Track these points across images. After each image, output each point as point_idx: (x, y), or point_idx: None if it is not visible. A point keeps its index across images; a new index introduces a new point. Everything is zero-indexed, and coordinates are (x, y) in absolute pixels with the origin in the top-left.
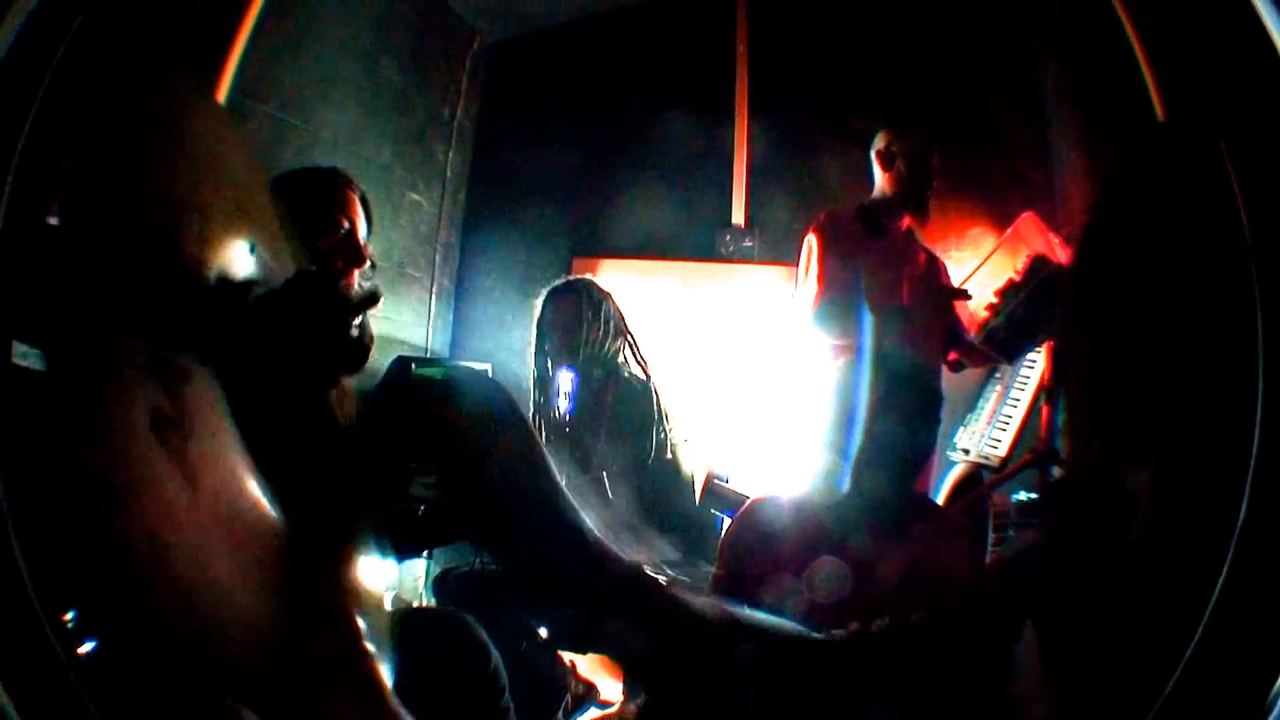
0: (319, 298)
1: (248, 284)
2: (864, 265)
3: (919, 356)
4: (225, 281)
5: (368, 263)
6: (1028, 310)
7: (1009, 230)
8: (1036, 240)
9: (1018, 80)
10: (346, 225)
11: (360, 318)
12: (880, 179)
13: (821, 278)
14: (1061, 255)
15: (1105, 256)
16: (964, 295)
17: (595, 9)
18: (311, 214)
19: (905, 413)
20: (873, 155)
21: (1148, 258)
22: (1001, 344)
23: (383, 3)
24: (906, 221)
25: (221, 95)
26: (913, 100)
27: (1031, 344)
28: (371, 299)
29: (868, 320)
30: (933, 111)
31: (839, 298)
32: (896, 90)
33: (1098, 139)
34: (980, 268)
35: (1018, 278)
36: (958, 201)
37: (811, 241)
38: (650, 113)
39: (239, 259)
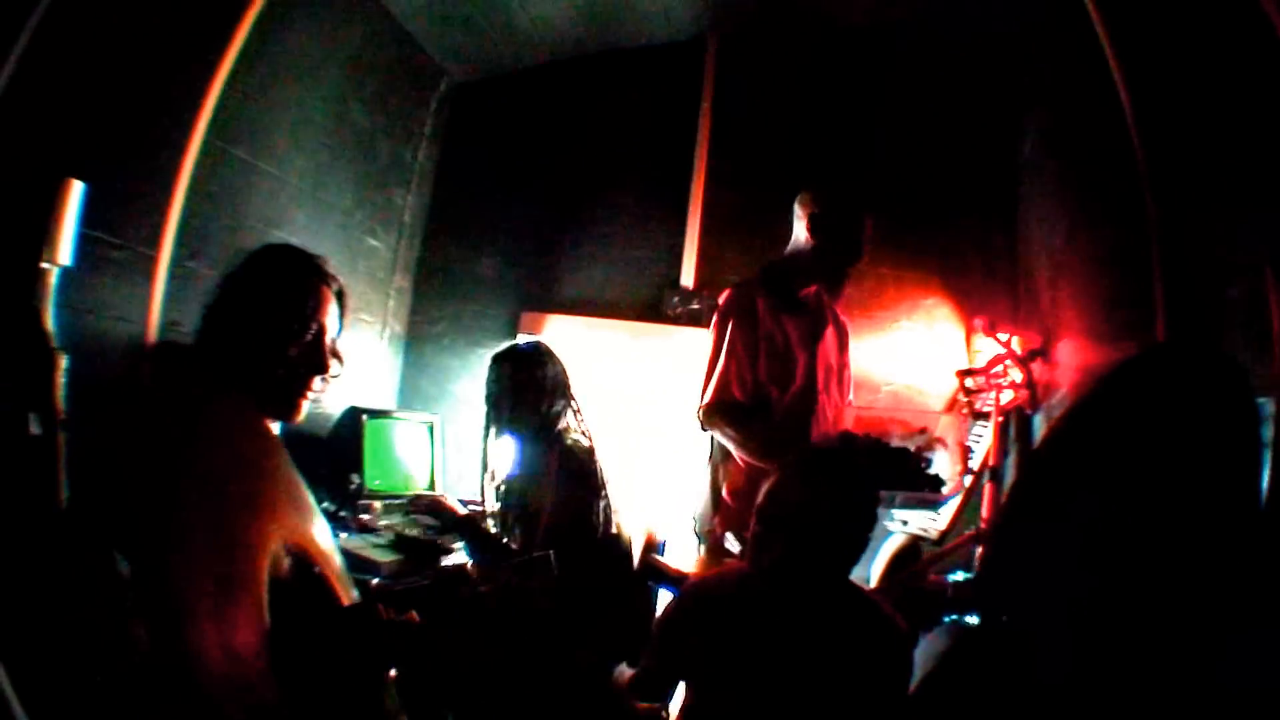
0: (359, 635)
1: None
2: (769, 346)
3: (833, 454)
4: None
5: (331, 369)
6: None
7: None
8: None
9: (988, 148)
10: (315, 330)
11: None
12: (801, 239)
13: (722, 373)
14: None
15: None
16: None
17: (564, 55)
18: (283, 313)
19: (829, 507)
20: (799, 212)
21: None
22: None
23: (356, 43)
24: (816, 287)
25: (197, 137)
26: (874, 168)
27: None
28: (408, 628)
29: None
30: (895, 180)
31: (731, 399)
32: (859, 157)
33: (1073, 203)
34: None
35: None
36: (913, 271)
37: (716, 325)
38: (608, 168)
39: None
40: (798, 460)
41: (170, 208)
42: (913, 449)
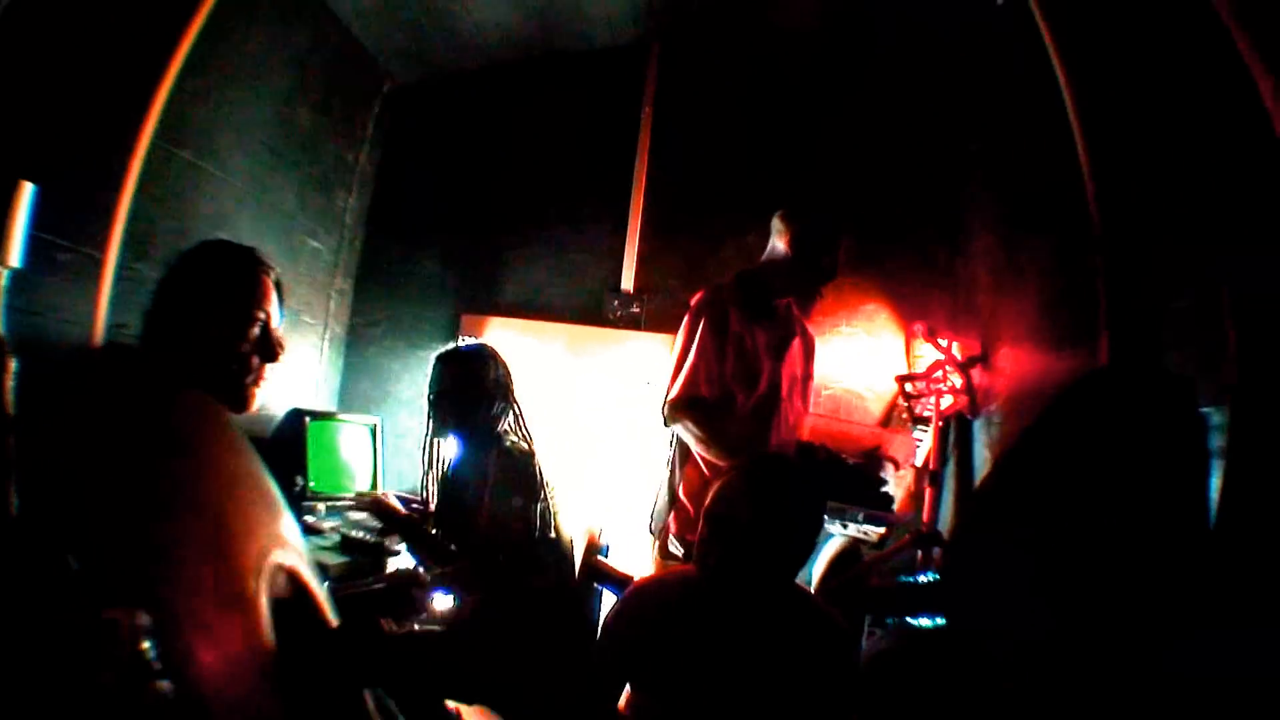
0: (366, 651)
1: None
2: (738, 349)
3: (784, 461)
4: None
5: (280, 356)
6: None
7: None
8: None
9: (932, 160)
10: (262, 318)
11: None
12: (779, 252)
13: (691, 369)
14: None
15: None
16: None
17: (506, 59)
18: (228, 306)
19: (776, 515)
20: (779, 227)
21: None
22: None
23: (300, 45)
24: (789, 300)
25: (145, 140)
26: (814, 173)
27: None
28: (412, 639)
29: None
30: (834, 185)
31: (698, 394)
32: (800, 163)
33: (1015, 211)
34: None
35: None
36: (853, 275)
37: (688, 322)
38: (549, 171)
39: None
40: (746, 466)
41: (118, 210)
42: (865, 465)
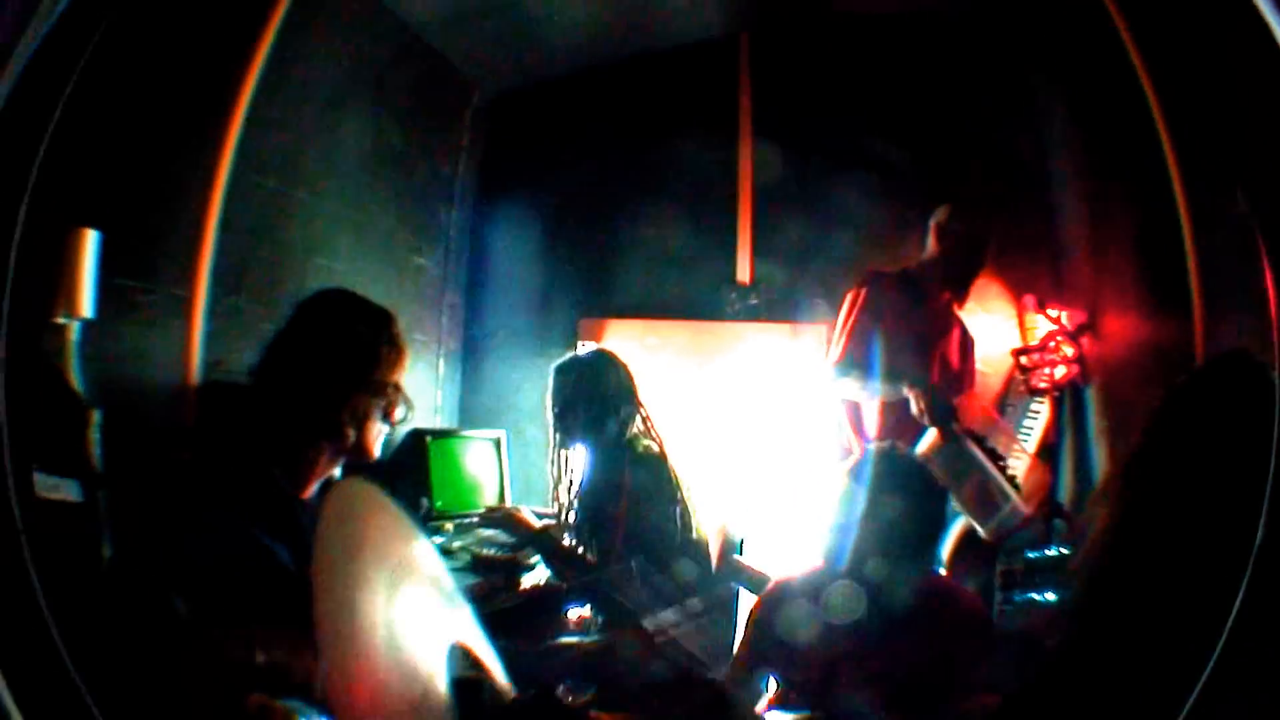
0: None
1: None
2: (896, 331)
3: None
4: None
5: (408, 414)
6: None
7: None
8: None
9: (1022, 133)
10: (394, 384)
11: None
12: (931, 248)
13: (852, 333)
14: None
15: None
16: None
17: (593, 62)
18: (368, 370)
19: (907, 500)
20: (931, 224)
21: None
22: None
23: (381, 60)
24: (947, 295)
25: (224, 173)
26: (914, 152)
27: None
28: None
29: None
30: (933, 162)
31: (864, 357)
32: (899, 142)
33: (1101, 190)
34: None
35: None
36: None
37: (853, 297)
38: (652, 168)
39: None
40: (861, 458)
41: (203, 247)
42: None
